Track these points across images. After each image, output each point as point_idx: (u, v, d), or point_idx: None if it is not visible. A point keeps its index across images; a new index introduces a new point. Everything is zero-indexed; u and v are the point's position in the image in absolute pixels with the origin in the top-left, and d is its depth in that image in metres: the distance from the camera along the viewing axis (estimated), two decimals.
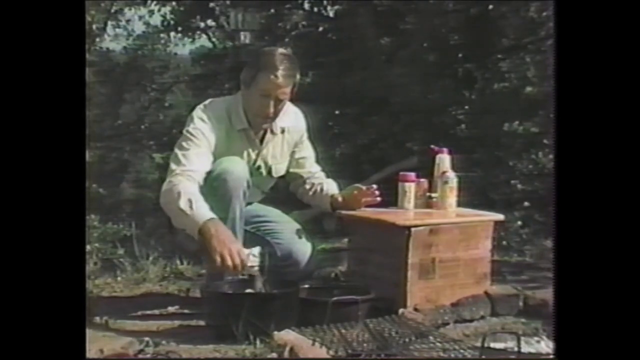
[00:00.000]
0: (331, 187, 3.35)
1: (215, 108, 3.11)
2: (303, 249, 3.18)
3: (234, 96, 3.19)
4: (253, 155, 3.17)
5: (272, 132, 3.19)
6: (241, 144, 3.13)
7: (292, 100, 3.18)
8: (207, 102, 3.15)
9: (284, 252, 3.16)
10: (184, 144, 3.01)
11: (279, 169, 3.28)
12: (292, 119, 3.25)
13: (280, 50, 3.15)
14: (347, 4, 8.93)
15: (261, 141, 3.18)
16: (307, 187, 3.37)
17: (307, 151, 3.36)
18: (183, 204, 2.83)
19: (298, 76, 3.11)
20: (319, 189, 3.34)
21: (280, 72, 3.00)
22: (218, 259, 2.75)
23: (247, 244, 3.03)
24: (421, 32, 7.79)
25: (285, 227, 3.24)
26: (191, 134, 3.02)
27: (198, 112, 3.09)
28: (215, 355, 2.57)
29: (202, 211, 2.82)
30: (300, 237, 3.21)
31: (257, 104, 3.06)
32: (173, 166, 2.97)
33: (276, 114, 3.09)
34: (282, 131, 3.22)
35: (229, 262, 2.75)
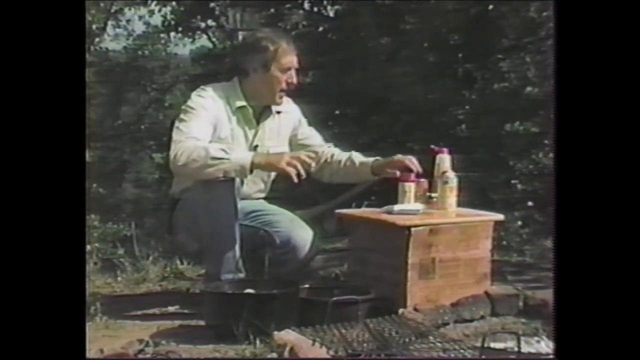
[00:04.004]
0: (358, 156, 3.34)
1: (212, 89, 3.21)
2: (303, 234, 3.18)
3: (227, 82, 3.27)
4: (250, 135, 3.22)
5: (268, 113, 3.26)
6: (238, 122, 3.19)
7: (289, 95, 3.30)
8: (201, 86, 3.25)
9: (282, 239, 3.16)
10: (183, 117, 3.08)
11: (278, 152, 3.28)
12: (284, 105, 3.31)
13: (271, 29, 3.49)
14: (347, 4, 8.94)
15: (257, 122, 3.24)
16: (337, 160, 3.33)
17: (311, 132, 3.39)
18: (215, 152, 2.93)
19: None
20: (348, 162, 3.32)
21: (292, 45, 3.23)
22: (288, 168, 2.92)
23: (245, 237, 3.05)
24: (421, 32, 7.80)
25: (282, 217, 3.25)
26: (190, 107, 3.10)
27: (195, 92, 3.20)
28: (215, 355, 2.57)
29: (239, 152, 3.02)
30: (299, 224, 3.22)
31: (282, 80, 3.19)
32: (176, 137, 3.01)
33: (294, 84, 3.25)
34: (277, 113, 3.29)
35: (298, 166, 2.92)
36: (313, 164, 3.09)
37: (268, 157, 3.03)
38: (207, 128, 3.07)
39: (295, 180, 2.94)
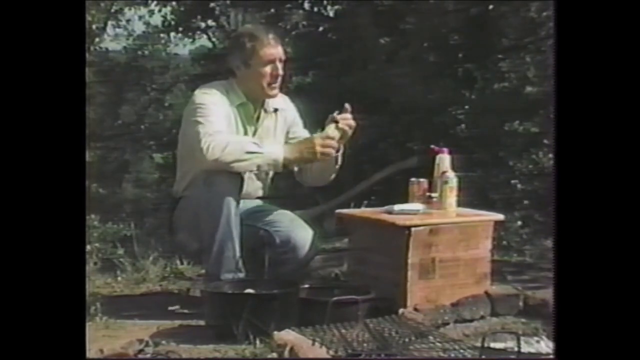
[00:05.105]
0: None
1: (213, 86, 3.23)
2: (303, 234, 3.19)
3: (225, 81, 3.27)
4: (250, 133, 3.22)
5: (265, 111, 3.26)
6: (239, 119, 3.20)
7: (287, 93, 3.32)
8: (201, 86, 3.27)
9: (282, 238, 3.17)
10: (199, 114, 3.07)
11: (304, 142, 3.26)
12: (281, 102, 3.33)
13: (255, 25, 3.38)
14: (347, 4, 8.93)
15: (256, 120, 3.25)
16: None
17: (304, 133, 3.36)
18: (250, 146, 2.99)
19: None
20: None
21: (271, 37, 3.20)
22: (323, 157, 3.05)
23: (246, 237, 3.05)
24: (421, 32, 7.80)
25: (282, 216, 3.25)
26: (202, 104, 3.10)
27: (198, 90, 3.21)
28: (215, 355, 2.57)
29: (272, 146, 3.09)
30: (299, 224, 3.22)
31: (266, 74, 3.17)
32: (202, 129, 3.01)
33: (282, 77, 3.23)
34: (275, 111, 3.29)
35: (331, 150, 3.05)
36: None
37: (300, 153, 3.06)
38: (224, 122, 3.09)
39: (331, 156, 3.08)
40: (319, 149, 3.03)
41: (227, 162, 2.95)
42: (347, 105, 3.13)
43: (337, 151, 3.15)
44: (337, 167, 3.24)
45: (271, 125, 3.27)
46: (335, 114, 3.11)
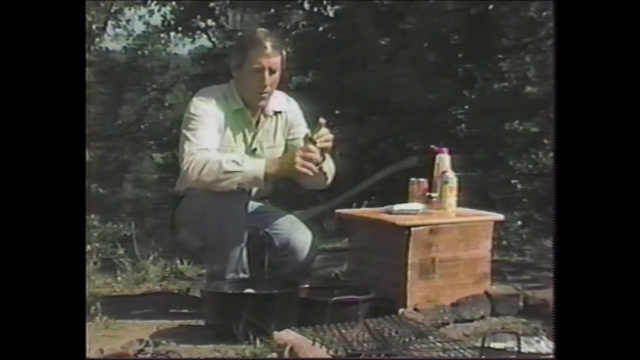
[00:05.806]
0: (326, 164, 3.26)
1: (211, 91, 3.21)
2: (302, 237, 3.19)
3: (226, 84, 3.26)
4: (249, 137, 3.21)
5: (265, 115, 3.23)
6: (237, 125, 3.18)
7: (282, 88, 3.28)
8: (201, 90, 3.25)
9: (282, 241, 3.18)
10: (190, 126, 3.07)
11: (275, 153, 3.24)
12: (284, 104, 3.30)
13: (261, 29, 3.32)
14: (347, 4, 8.92)
15: (256, 124, 3.22)
16: None
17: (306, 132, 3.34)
18: (228, 166, 2.95)
19: (284, 51, 3.21)
20: None
21: (268, 44, 3.11)
22: (304, 170, 2.98)
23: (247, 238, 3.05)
24: (421, 32, 7.79)
25: (282, 219, 3.26)
26: (194, 115, 3.09)
27: (196, 97, 3.19)
28: (215, 355, 2.57)
29: (252, 162, 3.02)
30: (299, 227, 3.22)
31: (253, 81, 3.13)
32: (187, 147, 3.02)
33: (272, 87, 3.16)
34: (276, 114, 3.26)
35: (312, 166, 2.99)
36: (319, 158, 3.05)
37: (281, 166, 3.02)
38: (215, 134, 3.08)
39: (312, 175, 3.02)
40: (298, 166, 2.99)
41: (207, 182, 2.95)
42: (321, 120, 3.07)
43: (322, 162, 3.09)
44: (329, 175, 3.21)
45: (271, 129, 3.26)
46: (309, 134, 3.07)
